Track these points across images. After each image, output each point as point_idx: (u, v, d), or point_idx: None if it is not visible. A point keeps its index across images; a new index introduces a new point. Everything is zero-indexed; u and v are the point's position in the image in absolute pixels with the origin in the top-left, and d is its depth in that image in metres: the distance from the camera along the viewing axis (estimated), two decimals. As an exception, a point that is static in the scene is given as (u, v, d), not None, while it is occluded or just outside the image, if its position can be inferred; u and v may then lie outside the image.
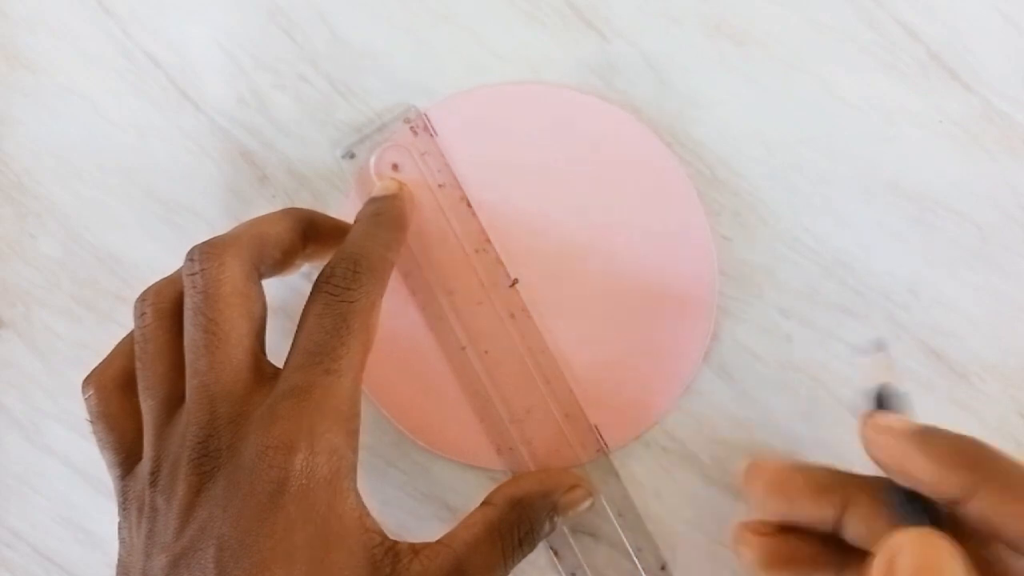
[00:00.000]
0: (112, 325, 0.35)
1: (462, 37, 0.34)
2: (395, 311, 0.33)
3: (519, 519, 0.28)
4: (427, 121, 0.33)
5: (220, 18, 0.35)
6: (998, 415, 0.32)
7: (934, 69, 0.32)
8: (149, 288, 0.28)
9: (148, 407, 0.27)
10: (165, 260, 0.30)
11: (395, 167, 0.33)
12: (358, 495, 0.25)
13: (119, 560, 0.27)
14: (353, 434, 0.26)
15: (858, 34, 0.32)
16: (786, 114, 0.33)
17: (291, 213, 0.30)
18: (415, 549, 0.26)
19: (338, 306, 0.26)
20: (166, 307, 0.27)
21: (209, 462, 0.25)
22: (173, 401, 0.27)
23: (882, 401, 0.26)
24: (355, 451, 0.26)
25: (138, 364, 0.27)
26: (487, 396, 0.32)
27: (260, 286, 0.28)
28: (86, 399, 0.28)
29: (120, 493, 0.27)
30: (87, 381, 0.29)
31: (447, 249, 0.33)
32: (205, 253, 0.27)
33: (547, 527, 0.29)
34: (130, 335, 0.29)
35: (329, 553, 0.24)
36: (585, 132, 0.33)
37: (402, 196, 0.32)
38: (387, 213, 0.31)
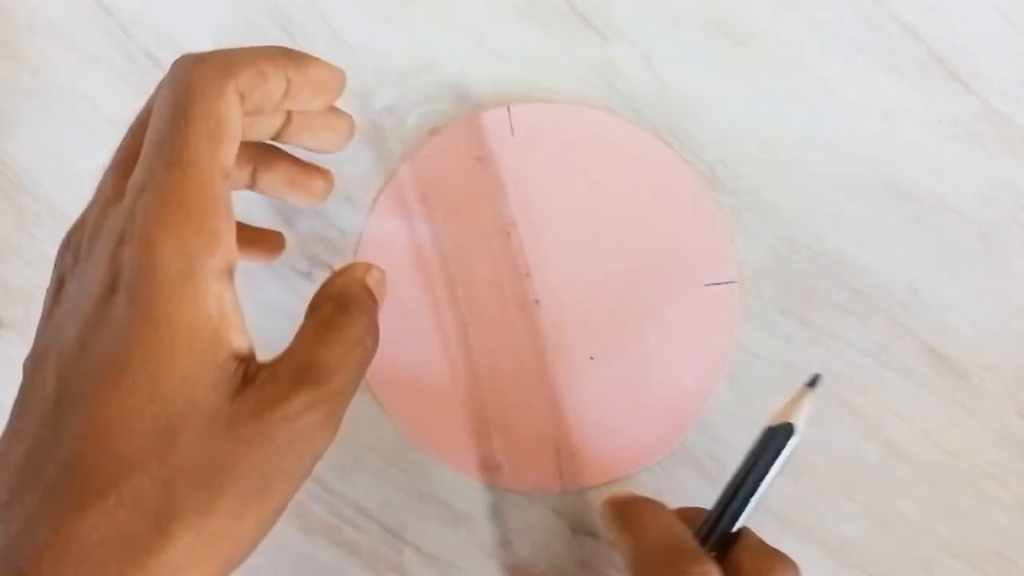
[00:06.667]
0: (112, 325, 0.35)
1: (462, 37, 0.34)
2: (403, 288, 0.32)
3: (349, 309, 0.26)
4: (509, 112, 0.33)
5: (220, 18, 0.35)
6: (998, 415, 0.32)
7: (934, 69, 0.32)
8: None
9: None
10: (165, 260, 0.30)
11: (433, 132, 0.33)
12: (222, 302, 0.23)
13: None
14: (214, 235, 0.23)
15: (858, 34, 0.32)
16: (786, 114, 0.33)
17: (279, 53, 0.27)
18: (268, 363, 0.24)
19: (174, 93, 0.24)
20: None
21: (70, 257, 0.24)
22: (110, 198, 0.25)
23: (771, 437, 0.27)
24: (220, 253, 0.23)
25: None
26: (478, 380, 0.32)
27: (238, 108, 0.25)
28: None
29: None
30: None
31: (474, 229, 0.32)
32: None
33: (373, 307, 0.27)
34: None
35: (173, 358, 0.22)
36: (619, 159, 0.33)
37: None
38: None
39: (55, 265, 0.26)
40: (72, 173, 0.35)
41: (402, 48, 0.34)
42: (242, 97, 0.25)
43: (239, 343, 0.24)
